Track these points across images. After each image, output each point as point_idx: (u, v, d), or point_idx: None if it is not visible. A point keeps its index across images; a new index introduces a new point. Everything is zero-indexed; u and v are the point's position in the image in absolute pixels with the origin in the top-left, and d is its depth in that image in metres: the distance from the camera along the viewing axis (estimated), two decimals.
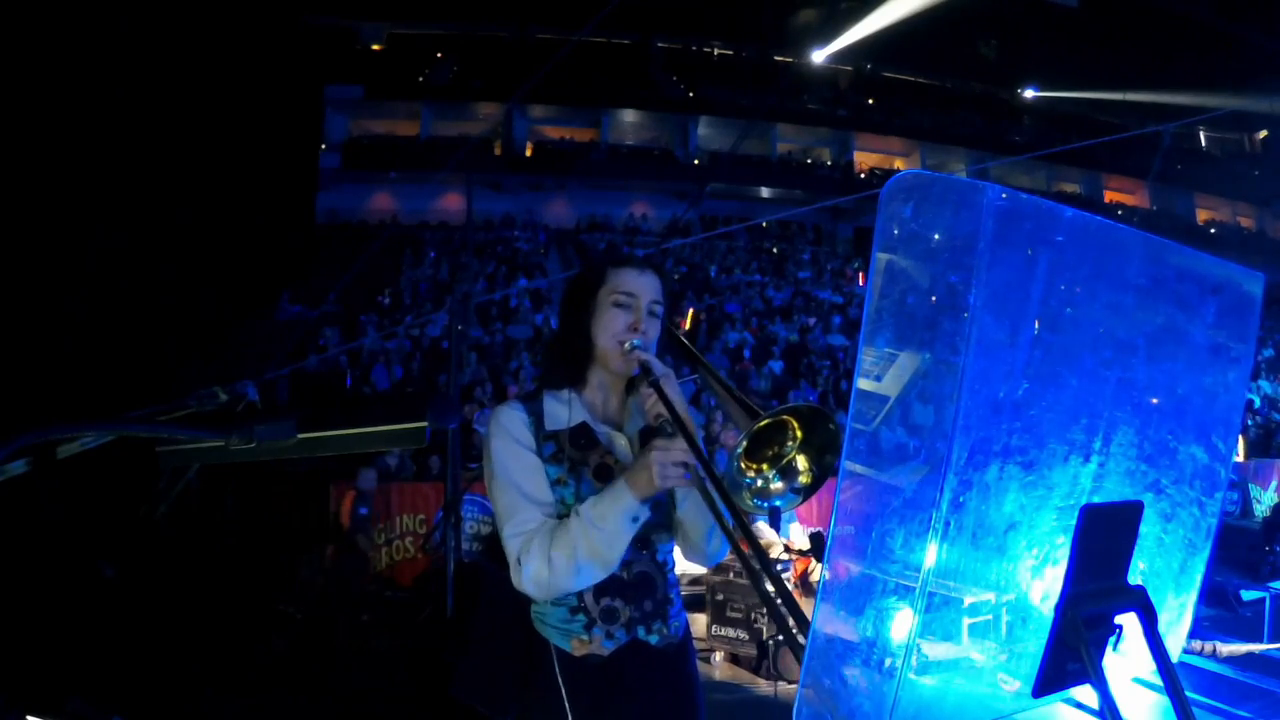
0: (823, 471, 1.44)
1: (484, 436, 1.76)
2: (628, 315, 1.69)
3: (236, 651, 5.55)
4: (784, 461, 1.47)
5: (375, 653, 5.81)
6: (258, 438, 1.12)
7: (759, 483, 1.47)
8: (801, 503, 1.47)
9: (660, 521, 1.71)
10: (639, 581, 1.70)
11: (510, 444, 1.68)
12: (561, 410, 1.71)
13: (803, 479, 1.46)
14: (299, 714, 4.62)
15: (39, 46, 14.82)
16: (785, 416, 1.45)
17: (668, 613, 1.74)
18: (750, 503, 1.46)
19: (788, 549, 5.96)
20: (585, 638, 1.67)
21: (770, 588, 1.28)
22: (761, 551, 1.33)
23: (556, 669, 1.65)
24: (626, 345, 1.67)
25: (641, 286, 1.71)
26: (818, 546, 6.02)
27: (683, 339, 1.91)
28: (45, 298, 11.47)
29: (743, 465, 1.46)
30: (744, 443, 1.42)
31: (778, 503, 1.46)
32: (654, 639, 1.70)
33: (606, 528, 1.54)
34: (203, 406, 1.49)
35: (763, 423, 1.41)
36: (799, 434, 1.46)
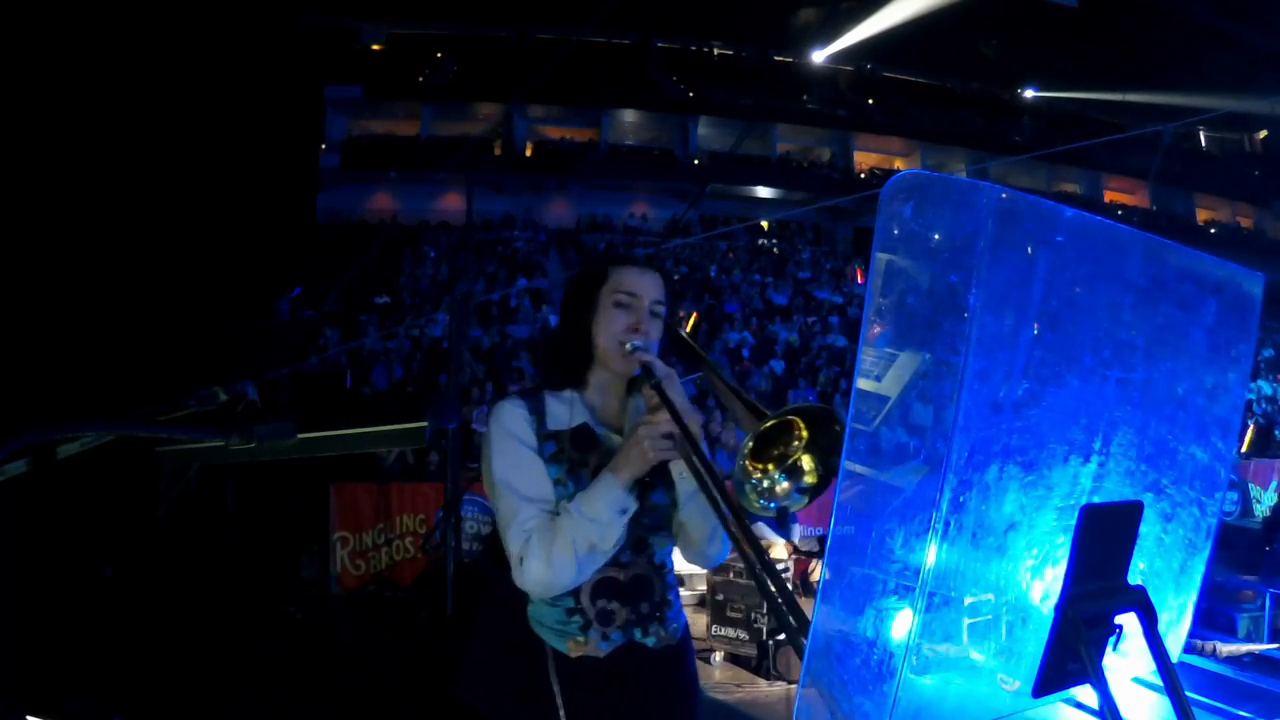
0: (829, 472, 1.43)
1: (484, 433, 1.75)
2: (629, 315, 1.67)
3: (236, 651, 5.54)
4: (789, 462, 1.46)
5: (375, 653, 5.81)
6: (258, 438, 1.12)
7: (764, 483, 1.46)
8: (808, 503, 1.46)
9: (658, 524, 1.71)
10: (636, 584, 1.69)
11: (510, 441, 1.66)
12: (563, 410, 1.70)
13: (808, 479, 1.45)
14: (299, 714, 4.61)
15: (39, 46, 14.82)
16: (791, 417, 1.45)
17: (665, 615, 1.73)
18: (756, 503, 1.45)
19: (797, 550, 5.96)
20: (581, 639, 1.66)
21: (772, 586, 1.28)
22: (759, 548, 1.33)
23: (551, 671, 1.65)
24: (628, 346, 1.64)
25: (643, 286, 1.70)
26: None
27: (688, 339, 1.89)
28: (45, 297, 11.47)
29: (748, 465, 1.45)
30: (749, 444, 1.42)
31: (783, 503, 1.46)
32: (650, 641, 1.70)
33: (599, 519, 1.54)
34: (203, 406, 1.49)
35: (768, 424, 1.41)
36: (805, 434, 1.45)
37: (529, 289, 15.54)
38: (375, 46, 26.23)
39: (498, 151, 24.70)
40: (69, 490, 5.40)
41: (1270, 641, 5.49)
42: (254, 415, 1.14)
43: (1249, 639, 5.50)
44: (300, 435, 1.16)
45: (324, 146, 24.36)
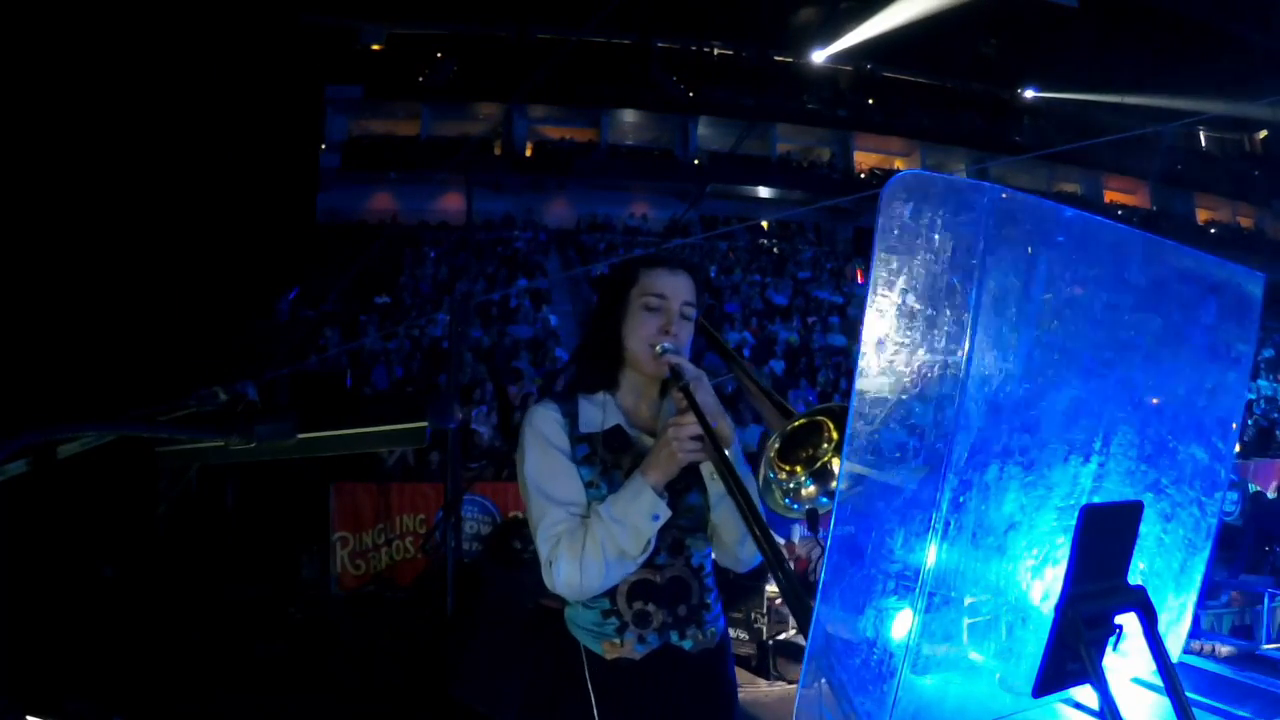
0: None
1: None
2: (658, 318, 1.66)
3: (236, 651, 5.55)
4: (818, 464, 1.44)
5: (375, 653, 5.82)
6: (258, 438, 1.12)
7: (790, 484, 1.44)
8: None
9: (694, 525, 1.70)
10: (672, 586, 1.68)
11: (543, 446, 1.66)
12: (595, 413, 1.69)
13: (835, 483, 1.42)
14: (299, 714, 4.62)
15: (39, 46, 14.82)
16: (820, 418, 1.43)
17: (703, 618, 1.71)
18: (781, 502, 1.44)
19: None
20: (617, 641, 1.64)
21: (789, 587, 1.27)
22: (780, 552, 1.32)
23: (586, 672, 1.63)
24: (657, 349, 1.63)
25: (673, 288, 1.68)
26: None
27: (718, 337, 1.87)
28: (45, 297, 11.48)
29: (776, 466, 1.43)
30: (776, 443, 1.41)
31: (810, 506, 1.44)
32: (687, 644, 1.68)
33: (628, 523, 1.54)
34: (203, 406, 1.49)
35: (796, 423, 1.40)
36: (835, 436, 1.42)
37: (529, 289, 15.54)
38: (375, 46, 26.22)
39: (498, 151, 24.70)
40: (69, 490, 5.41)
41: (1270, 641, 5.50)
42: (254, 415, 1.14)
43: (1211, 634, 5.53)
44: (300, 435, 1.16)
45: (324, 146, 24.36)
